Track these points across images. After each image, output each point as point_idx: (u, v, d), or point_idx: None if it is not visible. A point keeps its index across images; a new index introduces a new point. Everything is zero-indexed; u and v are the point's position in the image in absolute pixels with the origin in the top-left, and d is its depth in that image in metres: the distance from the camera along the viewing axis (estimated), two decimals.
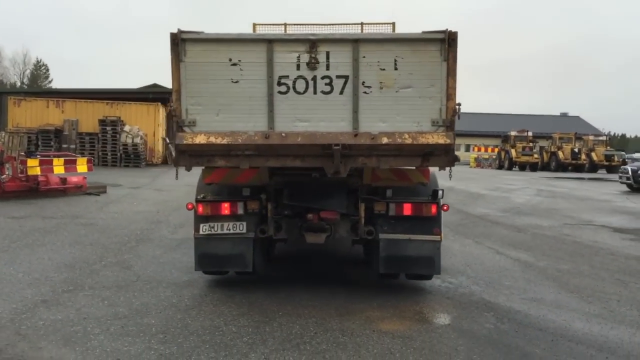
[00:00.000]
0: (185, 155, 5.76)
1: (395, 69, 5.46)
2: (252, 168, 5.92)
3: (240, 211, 6.40)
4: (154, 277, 7.31)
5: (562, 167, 46.76)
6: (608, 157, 46.66)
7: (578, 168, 46.28)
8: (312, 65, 5.50)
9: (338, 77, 5.51)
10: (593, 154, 46.91)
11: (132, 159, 28.93)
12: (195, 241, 6.56)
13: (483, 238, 10.80)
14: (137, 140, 28.94)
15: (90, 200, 15.31)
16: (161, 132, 32.09)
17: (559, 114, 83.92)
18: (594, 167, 46.35)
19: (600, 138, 50.33)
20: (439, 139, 5.43)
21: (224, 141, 5.53)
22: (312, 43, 5.49)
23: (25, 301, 6.17)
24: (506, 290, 7.15)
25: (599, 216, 15.31)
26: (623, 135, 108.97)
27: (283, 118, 5.55)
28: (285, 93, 5.54)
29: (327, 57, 5.50)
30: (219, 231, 6.42)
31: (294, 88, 5.53)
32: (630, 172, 24.66)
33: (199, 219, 6.47)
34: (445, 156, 5.63)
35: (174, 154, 5.85)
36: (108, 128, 29.46)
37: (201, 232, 6.44)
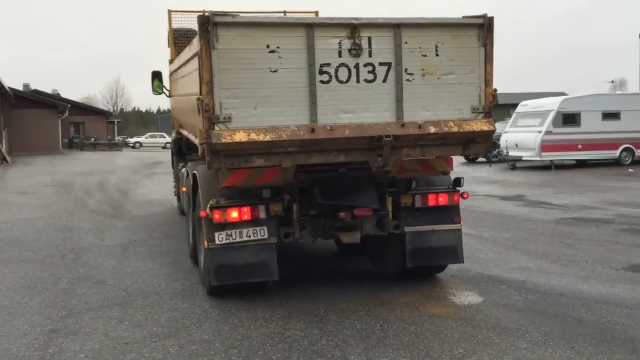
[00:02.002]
0: (220, 156, 5.28)
1: (437, 55, 5.52)
2: (276, 167, 5.58)
3: (263, 215, 5.85)
4: (144, 289, 6.66)
5: None
6: None
7: None
8: (355, 51, 5.35)
9: (381, 64, 5.43)
10: None
11: None
12: (209, 252, 5.89)
13: None
14: None
15: None
16: None
17: None
18: None
19: None
20: (483, 125, 5.63)
21: (267, 138, 5.19)
22: (354, 27, 5.34)
23: (31, 333, 5.31)
24: (490, 263, 7.64)
25: (474, 187, 16.66)
26: None
27: (326, 110, 5.35)
28: (327, 82, 5.33)
29: (369, 43, 5.39)
30: (238, 239, 5.82)
31: (336, 77, 5.35)
32: None
33: (214, 228, 5.79)
34: (485, 143, 5.82)
35: (206, 154, 5.36)
36: None
37: (217, 242, 5.78)
